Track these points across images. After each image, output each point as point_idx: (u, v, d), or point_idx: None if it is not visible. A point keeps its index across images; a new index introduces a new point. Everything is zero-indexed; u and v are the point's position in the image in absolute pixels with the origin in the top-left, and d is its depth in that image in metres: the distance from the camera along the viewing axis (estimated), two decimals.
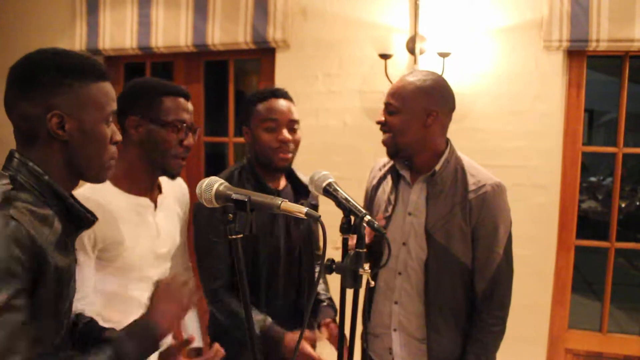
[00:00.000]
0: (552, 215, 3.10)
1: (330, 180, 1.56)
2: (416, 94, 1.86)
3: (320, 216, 1.16)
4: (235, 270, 1.89)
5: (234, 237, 1.20)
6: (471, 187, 1.86)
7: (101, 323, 1.52)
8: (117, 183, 1.71)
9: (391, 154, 1.94)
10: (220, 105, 3.96)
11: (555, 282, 3.14)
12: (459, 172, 1.90)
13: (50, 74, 1.17)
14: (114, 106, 1.28)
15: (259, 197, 1.22)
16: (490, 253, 1.86)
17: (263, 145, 1.93)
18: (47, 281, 1.13)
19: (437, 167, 1.89)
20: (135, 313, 1.70)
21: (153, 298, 1.39)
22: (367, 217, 1.42)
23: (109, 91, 1.26)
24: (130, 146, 1.73)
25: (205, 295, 1.95)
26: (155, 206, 1.82)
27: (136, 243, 1.71)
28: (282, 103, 1.96)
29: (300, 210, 1.18)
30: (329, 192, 1.54)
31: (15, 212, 1.08)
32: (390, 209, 1.98)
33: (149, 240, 1.76)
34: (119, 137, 1.31)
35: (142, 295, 1.73)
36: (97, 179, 1.32)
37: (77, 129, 1.20)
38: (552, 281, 3.13)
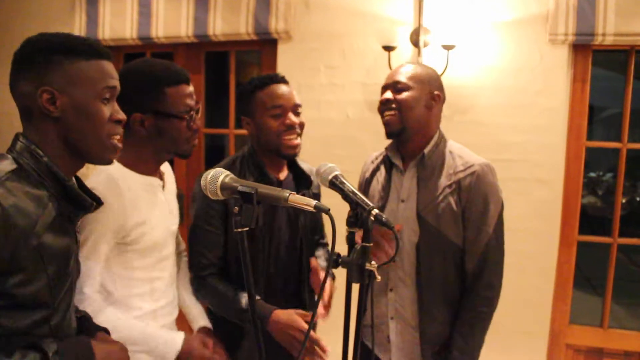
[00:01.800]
0: (555, 211, 3.08)
1: (336, 172, 1.53)
2: (426, 75, 1.96)
3: (329, 209, 1.14)
4: (225, 260, 1.90)
5: (239, 230, 1.18)
6: (459, 168, 1.91)
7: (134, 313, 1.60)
8: (128, 165, 1.70)
9: (396, 132, 1.95)
10: (221, 96, 3.93)
11: (557, 278, 3.13)
12: (448, 155, 1.95)
13: (42, 52, 1.21)
14: (110, 83, 1.28)
15: (266, 189, 1.19)
16: (479, 232, 1.88)
17: (270, 132, 1.90)
18: (27, 260, 1.13)
19: (426, 150, 1.94)
20: (161, 295, 1.77)
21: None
22: (375, 211, 1.40)
23: (104, 68, 1.27)
24: (140, 141, 1.70)
25: (191, 283, 1.95)
26: (164, 185, 1.82)
27: (155, 222, 1.71)
28: (284, 88, 1.94)
29: (308, 203, 1.16)
30: (336, 184, 1.51)
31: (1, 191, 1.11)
32: (383, 198, 2.01)
33: (164, 218, 1.78)
34: (121, 115, 1.31)
35: (164, 275, 1.79)
36: (100, 159, 1.32)
37: (68, 105, 1.22)
38: (554, 276, 3.12)
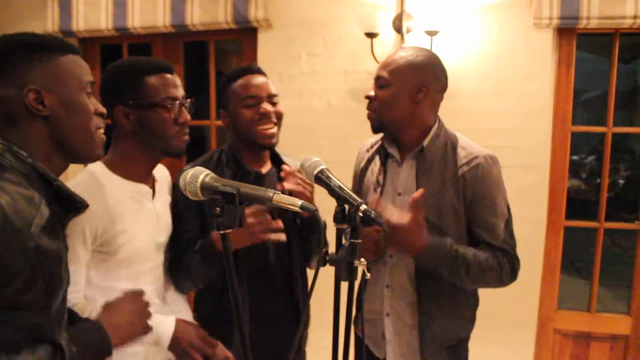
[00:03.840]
0: (542, 196, 3.07)
1: (322, 167, 1.47)
2: (408, 68, 1.82)
3: (316, 209, 1.09)
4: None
5: (222, 232, 1.12)
6: (462, 161, 1.81)
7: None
8: (115, 169, 1.63)
9: (375, 129, 1.89)
10: (201, 87, 3.84)
11: (545, 263, 3.12)
12: (449, 146, 1.85)
13: (18, 52, 1.16)
14: (90, 77, 1.26)
15: (249, 189, 1.13)
16: (492, 227, 1.80)
17: (244, 121, 1.85)
18: (25, 265, 1.06)
19: (425, 143, 1.84)
20: None
21: (111, 308, 1.36)
22: (363, 207, 1.34)
23: (81, 63, 1.25)
24: (125, 136, 1.64)
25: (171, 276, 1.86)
26: (154, 193, 1.74)
27: (137, 233, 1.63)
28: (258, 78, 1.89)
29: (294, 203, 1.10)
30: (322, 179, 1.45)
31: None
32: (378, 190, 1.91)
33: (149, 229, 1.69)
34: (102, 108, 1.29)
35: (146, 289, 1.67)
36: (89, 156, 1.29)
37: (57, 102, 1.18)
38: (542, 262, 3.11)
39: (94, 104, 1.27)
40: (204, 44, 3.75)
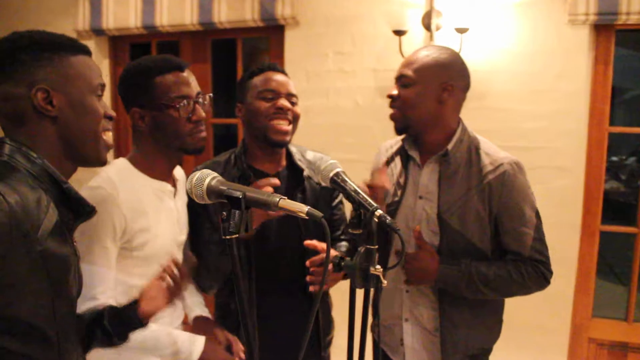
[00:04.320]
0: (576, 199, 2.95)
1: (338, 170, 1.42)
2: (433, 66, 1.76)
3: (323, 215, 1.03)
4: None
5: (228, 237, 1.08)
6: (488, 168, 1.74)
7: None
8: (138, 166, 1.64)
9: (399, 130, 1.83)
10: (230, 85, 3.83)
11: (579, 269, 3.00)
12: (473, 151, 1.78)
13: (28, 50, 1.14)
14: (101, 79, 1.25)
15: (255, 193, 1.09)
16: (520, 236, 1.75)
17: (258, 114, 1.82)
18: (29, 269, 1.04)
19: (450, 147, 1.77)
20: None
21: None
22: (379, 212, 1.29)
23: (92, 65, 1.24)
24: (143, 136, 1.65)
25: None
26: (175, 191, 1.74)
27: (161, 230, 1.64)
28: (279, 76, 1.87)
29: (300, 209, 1.05)
30: (337, 182, 1.40)
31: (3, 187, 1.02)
32: (399, 193, 1.86)
33: (170, 227, 1.69)
34: (111, 111, 1.27)
35: None
36: (96, 159, 1.26)
37: (65, 102, 1.16)
38: (576, 268, 2.99)
39: (104, 107, 1.25)
40: (235, 42, 3.74)
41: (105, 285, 1.51)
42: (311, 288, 1.74)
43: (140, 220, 1.58)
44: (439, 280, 1.73)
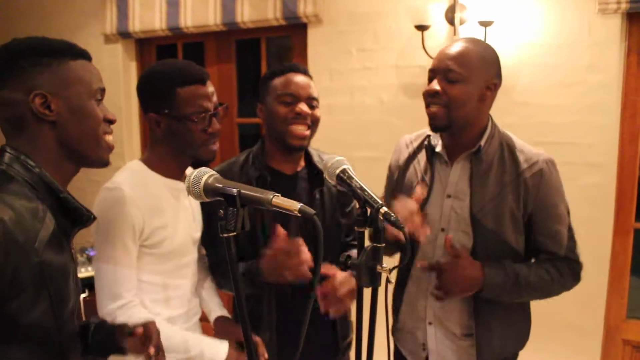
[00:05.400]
0: (608, 196, 2.83)
1: (345, 166, 1.39)
2: (482, 63, 1.67)
3: (315, 213, 1.02)
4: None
5: (225, 235, 1.07)
6: (523, 166, 1.69)
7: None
8: (153, 167, 1.67)
9: (440, 128, 1.71)
10: (255, 85, 3.84)
11: (612, 269, 2.89)
12: (506, 148, 1.72)
13: (26, 56, 1.16)
14: (101, 84, 1.26)
15: (249, 190, 1.07)
16: (557, 235, 1.72)
17: (277, 118, 1.81)
18: (28, 280, 1.06)
19: (482, 143, 1.71)
20: (178, 303, 1.71)
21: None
22: (384, 209, 1.25)
23: (91, 69, 1.25)
24: (158, 140, 1.68)
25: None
26: None
27: (178, 227, 1.67)
28: (300, 78, 1.84)
29: (293, 206, 1.03)
30: (343, 179, 1.37)
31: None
32: (426, 191, 1.79)
33: (187, 224, 1.72)
34: (112, 115, 1.28)
35: (183, 283, 1.73)
36: (99, 161, 1.27)
37: (64, 107, 1.17)
38: (608, 267, 2.88)
39: (103, 111, 1.26)
40: (259, 42, 3.74)
41: (130, 283, 1.56)
42: (322, 309, 1.71)
43: (157, 218, 1.61)
44: (485, 287, 1.66)
